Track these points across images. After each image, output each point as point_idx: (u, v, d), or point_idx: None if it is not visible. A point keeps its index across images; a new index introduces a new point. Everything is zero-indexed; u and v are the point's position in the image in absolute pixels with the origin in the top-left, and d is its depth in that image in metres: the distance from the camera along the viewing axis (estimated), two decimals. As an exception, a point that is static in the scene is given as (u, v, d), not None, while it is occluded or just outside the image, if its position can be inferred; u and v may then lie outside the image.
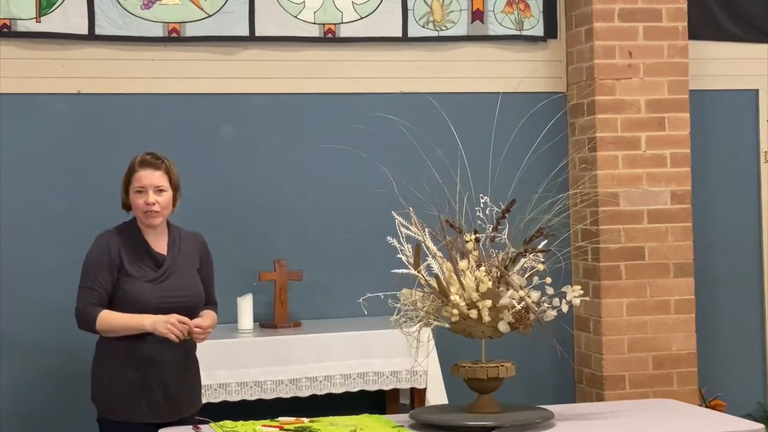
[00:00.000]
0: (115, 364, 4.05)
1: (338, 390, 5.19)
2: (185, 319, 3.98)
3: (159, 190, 4.08)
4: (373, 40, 5.82)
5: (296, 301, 5.57)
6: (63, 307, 5.22)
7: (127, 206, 4.17)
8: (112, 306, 4.04)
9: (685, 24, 5.88)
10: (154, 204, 4.06)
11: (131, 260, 4.07)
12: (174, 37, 5.55)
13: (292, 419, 3.84)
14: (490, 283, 3.74)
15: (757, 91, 6.33)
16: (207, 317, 4.16)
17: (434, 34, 5.88)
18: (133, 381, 4.02)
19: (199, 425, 3.89)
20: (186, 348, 4.12)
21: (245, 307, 5.35)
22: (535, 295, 3.76)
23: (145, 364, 4.03)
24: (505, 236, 3.84)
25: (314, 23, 5.73)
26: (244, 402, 5.06)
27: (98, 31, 5.46)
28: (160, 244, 4.14)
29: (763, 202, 6.32)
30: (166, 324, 3.94)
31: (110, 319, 4.00)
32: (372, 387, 5.24)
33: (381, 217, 4.21)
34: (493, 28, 5.95)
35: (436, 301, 3.80)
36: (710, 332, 6.13)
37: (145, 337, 4.01)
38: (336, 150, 5.45)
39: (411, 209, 3.90)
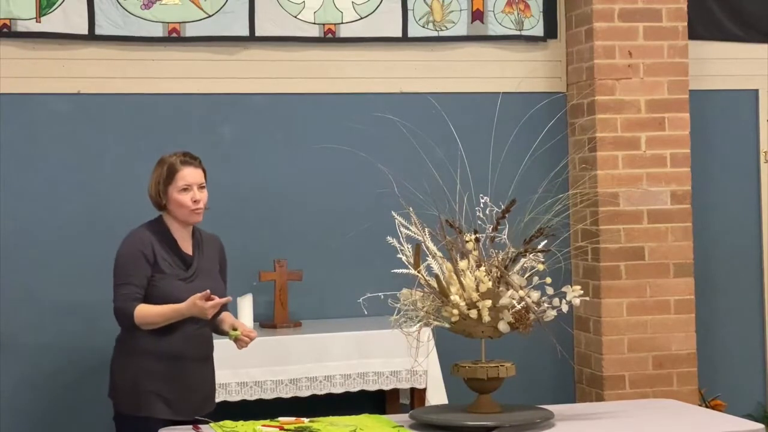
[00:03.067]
0: (140, 360, 4.04)
1: (338, 390, 5.19)
2: (210, 295, 3.96)
3: (201, 187, 4.16)
4: (373, 40, 5.82)
5: (296, 301, 5.57)
6: (63, 307, 5.24)
7: (162, 206, 4.15)
8: (144, 302, 4.04)
9: (685, 24, 5.88)
10: (200, 201, 4.13)
11: (163, 257, 4.09)
12: (174, 37, 5.55)
13: (292, 419, 3.84)
14: (490, 283, 3.74)
15: (757, 91, 6.33)
16: (232, 318, 4.25)
17: (434, 34, 5.88)
18: (160, 377, 4.03)
19: (199, 425, 3.89)
20: (207, 332, 4.17)
21: (245, 307, 5.35)
22: (535, 295, 3.76)
23: (171, 360, 4.04)
24: (505, 236, 3.84)
25: (314, 23, 5.73)
26: (244, 402, 5.06)
27: (98, 31, 5.46)
28: (186, 244, 4.17)
29: (763, 202, 6.32)
30: (203, 310, 3.93)
31: (148, 312, 4.00)
32: (372, 387, 5.24)
33: (381, 217, 4.21)
34: (493, 28, 5.95)
35: (436, 301, 3.80)
36: (710, 332, 6.13)
37: (171, 332, 4.03)
38: (336, 150, 5.45)
39: (411, 209, 3.90)
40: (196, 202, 4.12)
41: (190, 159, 4.18)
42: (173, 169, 4.13)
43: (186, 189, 4.12)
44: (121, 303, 4.04)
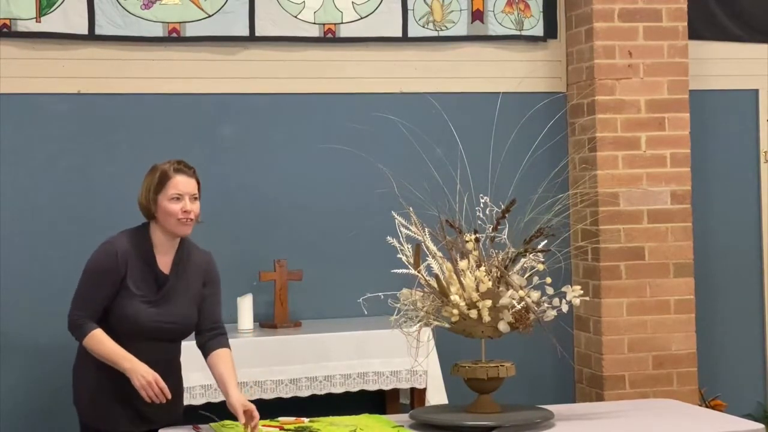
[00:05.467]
0: (97, 370, 3.93)
1: (338, 390, 5.18)
2: (164, 385, 3.82)
3: (194, 198, 3.98)
4: (373, 40, 5.82)
5: (296, 301, 5.57)
6: (63, 309, 5.22)
7: (151, 213, 3.99)
8: (105, 316, 3.93)
9: (685, 24, 5.88)
10: (190, 212, 3.95)
11: (134, 274, 3.93)
12: (174, 37, 5.55)
13: (292, 419, 3.85)
14: (490, 283, 3.74)
15: (757, 91, 6.33)
16: (234, 383, 3.94)
17: (434, 34, 5.88)
18: (116, 388, 3.91)
19: (199, 425, 3.88)
20: (168, 351, 4.03)
21: (245, 307, 5.35)
22: (535, 295, 3.76)
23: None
24: (505, 236, 3.84)
25: (314, 23, 5.73)
26: (244, 402, 5.06)
27: (98, 31, 5.46)
28: (165, 260, 4.00)
29: (763, 202, 6.32)
30: (142, 380, 3.81)
31: (98, 343, 3.88)
32: (372, 387, 5.24)
33: (381, 217, 4.21)
34: (493, 28, 5.95)
35: (436, 301, 3.80)
36: (710, 332, 6.13)
37: (128, 343, 3.90)
38: (336, 150, 5.45)
39: (411, 209, 3.90)
40: (186, 212, 3.93)
41: (184, 168, 3.99)
42: (165, 177, 3.95)
43: (177, 198, 3.93)
44: (79, 320, 3.92)
